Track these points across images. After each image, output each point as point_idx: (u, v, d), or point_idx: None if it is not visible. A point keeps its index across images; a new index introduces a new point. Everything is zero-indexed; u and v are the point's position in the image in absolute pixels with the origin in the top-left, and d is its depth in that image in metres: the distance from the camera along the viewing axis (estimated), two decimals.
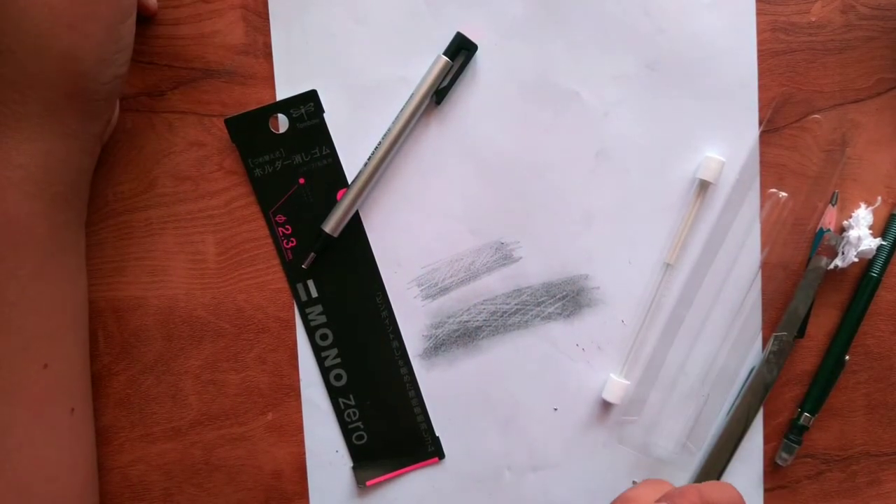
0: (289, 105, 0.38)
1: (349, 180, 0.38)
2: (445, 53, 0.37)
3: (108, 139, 0.37)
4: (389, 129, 0.37)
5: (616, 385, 0.39)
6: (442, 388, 0.40)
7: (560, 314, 0.40)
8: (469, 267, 0.39)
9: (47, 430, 0.33)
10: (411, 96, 0.37)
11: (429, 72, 0.37)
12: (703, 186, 0.39)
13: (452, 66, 0.38)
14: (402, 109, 0.38)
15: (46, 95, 0.30)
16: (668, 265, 0.39)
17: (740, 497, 0.32)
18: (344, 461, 0.40)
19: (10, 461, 0.32)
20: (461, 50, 0.38)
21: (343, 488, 0.40)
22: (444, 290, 0.39)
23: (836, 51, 0.39)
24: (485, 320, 0.39)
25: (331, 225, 0.38)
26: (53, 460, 0.34)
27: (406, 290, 0.39)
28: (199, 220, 0.38)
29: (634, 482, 0.40)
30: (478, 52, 0.38)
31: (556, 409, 0.40)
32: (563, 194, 0.39)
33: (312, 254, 0.38)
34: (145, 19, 0.37)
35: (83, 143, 0.33)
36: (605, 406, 0.40)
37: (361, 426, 0.39)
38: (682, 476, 0.40)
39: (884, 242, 0.39)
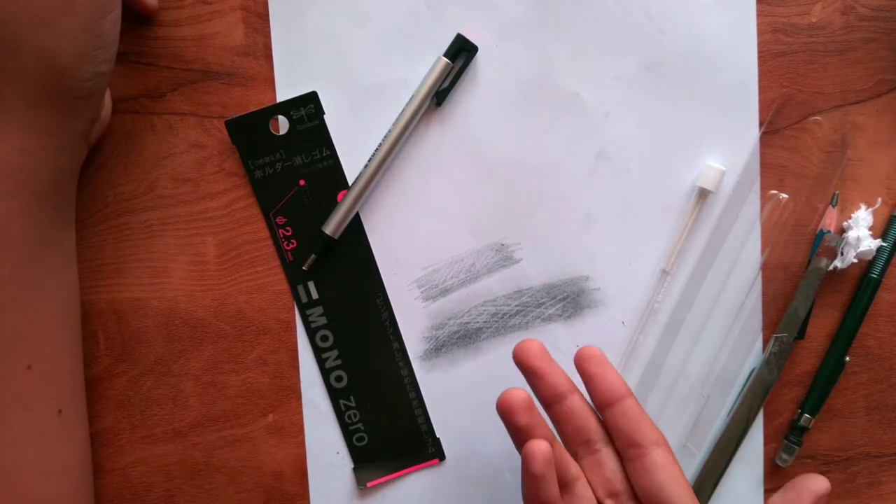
0: (289, 107, 0.38)
1: (350, 182, 0.38)
2: (446, 55, 0.37)
3: (98, 138, 0.37)
4: (390, 131, 0.37)
5: None
6: (443, 389, 0.40)
7: (560, 315, 0.40)
8: (470, 268, 0.39)
9: (34, 432, 0.33)
10: (412, 98, 0.37)
11: (429, 73, 0.37)
12: (703, 194, 0.39)
13: (453, 68, 0.37)
14: (402, 111, 0.38)
15: (24, 91, 0.30)
16: (668, 269, 0.39)
17: None
18: (344, 462, 0.40)
19: None
20: (462, 51, 0.38)
21: (344, 490, 0.40)
22: (445, 292, 0.39)
23: (836, 52, 0.39)
24: (485, 322, 0.39)
25: (331, 227, 0.38)
26: (41, 462, 0.33)
27: (407, 292, 0.39)
28: (200, 221, 0.38)
29: None
30: (478, 54, 0.38)
31: None
32: (563, 195, 0.39)
33: (313, 255, 0.38)
34: (145, 19, 0.37)
35: (64, 141, 0.32)
36: None
37: (362, 427, 0.39)
38: None
39: (884, 243, 0.39)
